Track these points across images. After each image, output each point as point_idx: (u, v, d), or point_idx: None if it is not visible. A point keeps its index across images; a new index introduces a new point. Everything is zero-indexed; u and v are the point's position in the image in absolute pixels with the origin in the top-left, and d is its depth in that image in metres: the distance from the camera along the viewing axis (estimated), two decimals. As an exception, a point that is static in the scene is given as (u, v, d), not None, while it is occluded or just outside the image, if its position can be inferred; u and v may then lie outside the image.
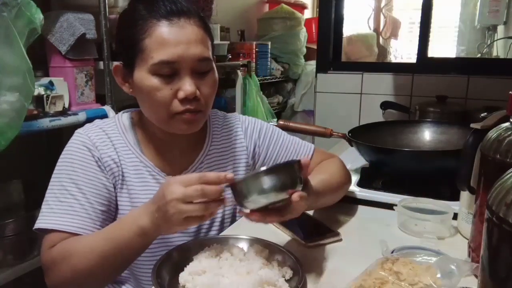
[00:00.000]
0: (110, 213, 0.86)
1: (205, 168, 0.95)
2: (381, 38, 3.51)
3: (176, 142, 0.91)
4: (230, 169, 0.98)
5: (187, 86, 0.79)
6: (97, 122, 0.92)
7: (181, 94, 0.80)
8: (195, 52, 0.79)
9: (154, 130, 0.90)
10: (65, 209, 0.80)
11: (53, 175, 0.85)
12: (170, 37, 0.78)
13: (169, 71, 0.79)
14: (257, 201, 0.67)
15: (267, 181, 0.66)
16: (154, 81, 0.79)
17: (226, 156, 0.98)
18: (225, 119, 1.03)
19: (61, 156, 0.86)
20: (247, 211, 0.70)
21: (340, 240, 0.91)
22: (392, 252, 0.80)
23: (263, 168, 0.66)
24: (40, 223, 0.81)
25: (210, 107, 0.89)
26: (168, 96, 0.80)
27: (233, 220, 0.99)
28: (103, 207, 0.83)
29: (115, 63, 0.89)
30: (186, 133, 0.86)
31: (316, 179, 0.83)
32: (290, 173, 0.68)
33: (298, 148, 1.03)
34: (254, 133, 1.02)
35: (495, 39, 2.51)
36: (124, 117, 0.94)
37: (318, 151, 1.06)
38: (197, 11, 0.84)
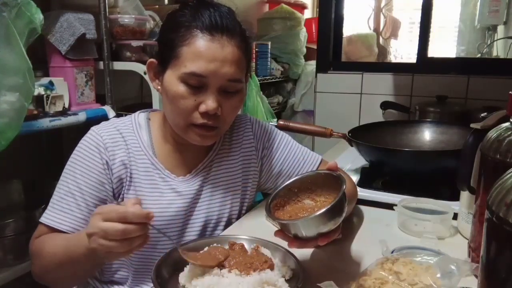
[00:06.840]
0: None
1: (214, 167, 0.95)
2: (381, 38, 3.50)
3: (190, 144, 0.90)
4: (239, 169, 0.98)
5: (210, 101, 0.81)
6: (114, 120, 0.94)
7: (202, 108, 0.81)
8: (227, 71, 0.80)
9: (171, 131, 0.91)
10: (63, 207, 0.84)
11: (63, 171, 0.87)
12: (207, 52, 0.79)
13: (197, 83, 0.80)
14: (309, 235, 0.67)
15: (323, 220, 0.65)
16: (181, 88, 0.81)
17: (236, 156, 0.99)
18: (235, 118, 1.03)
19: (73, 153, 0.88)
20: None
21: (340, 239, 0.90)
22: (392, 252, 0.80)
23: (322, 210, 0.64)
24: (42, 217, 0.85)
25: (228, 125, 0.90)
26: (190, 106, 0.82)
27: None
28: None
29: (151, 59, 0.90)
30: (198, 145, 0.88)
31: None
32: (342, 203, 0.68)
33: (306, 157, 1.03)
34: (264, 135, 1.02)
35: (495, 39, 2.50)
36: (141, 117, 0.95)
37: (325, 163, 1.05)
38: (241, 31, 0.84)
